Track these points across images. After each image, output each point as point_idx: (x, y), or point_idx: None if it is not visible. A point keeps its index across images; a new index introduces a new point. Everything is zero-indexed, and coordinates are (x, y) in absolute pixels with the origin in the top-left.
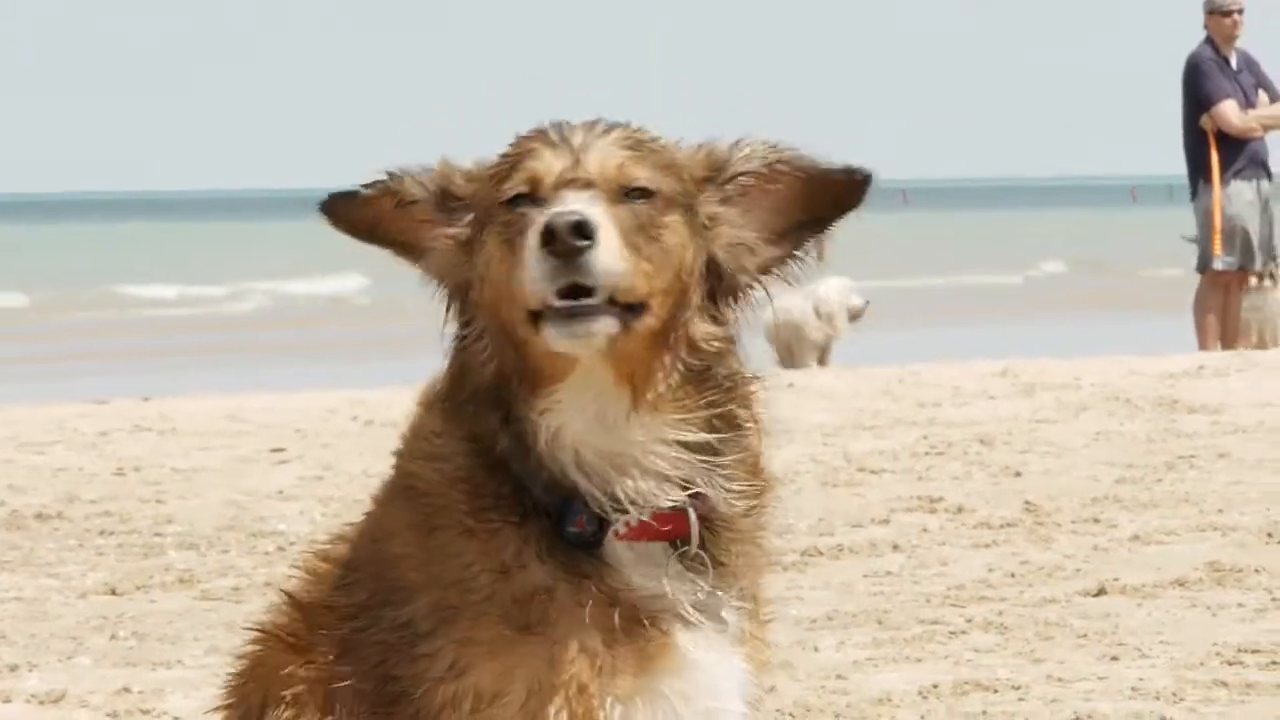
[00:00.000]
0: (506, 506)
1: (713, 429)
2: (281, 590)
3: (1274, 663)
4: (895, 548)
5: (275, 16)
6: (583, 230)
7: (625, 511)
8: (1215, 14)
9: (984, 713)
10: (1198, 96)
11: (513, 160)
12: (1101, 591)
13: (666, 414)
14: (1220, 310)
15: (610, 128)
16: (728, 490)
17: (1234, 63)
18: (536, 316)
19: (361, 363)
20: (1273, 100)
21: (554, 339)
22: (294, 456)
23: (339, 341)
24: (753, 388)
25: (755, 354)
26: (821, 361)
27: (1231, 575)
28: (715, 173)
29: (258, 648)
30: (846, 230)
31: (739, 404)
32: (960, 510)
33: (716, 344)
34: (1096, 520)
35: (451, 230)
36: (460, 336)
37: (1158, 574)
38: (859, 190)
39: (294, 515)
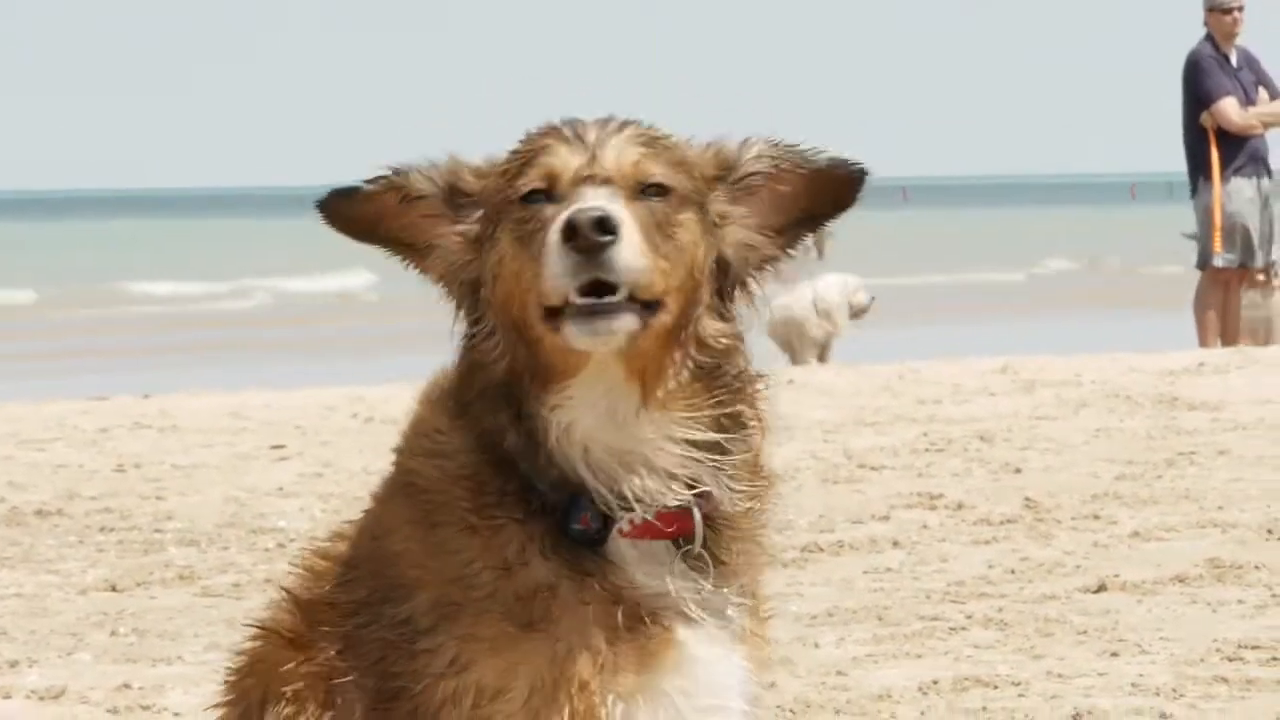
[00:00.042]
0: (510, 503)
1: (720, 427)
2: (281, 588)
3: (1274, 659)
4: (895, 544)
5: (277, 14)
6: (606, 226)
7: (631, 509)
8: (1215, 11)
9: (984, 709)
10: (1198, 94)
11: (526, 156)
12: (1101, 588)
13: (675, 412)
14: (1220, 307)
15: (624, 124)
16: (733, 489)
17: (1234, 60)
18: (554, 313)
19: (363, 360)
20: (1273, 97)
21: (575, 336)
22: (294, 453)
23: (341, 338)
24: (758, 386)
25: (759, 352)
26: (822, 358)
27: (1231, 571)
28: (724, 171)
29: (257, 644)
30: (848, 228)
31: (745, 402)
32: (960, 507)
33: (725, 341)
34: (1096, 517)
35: (460, 227)
36: (469, 334)
37: (1158, 570)
38: (856, 186)
39: (294, 512)
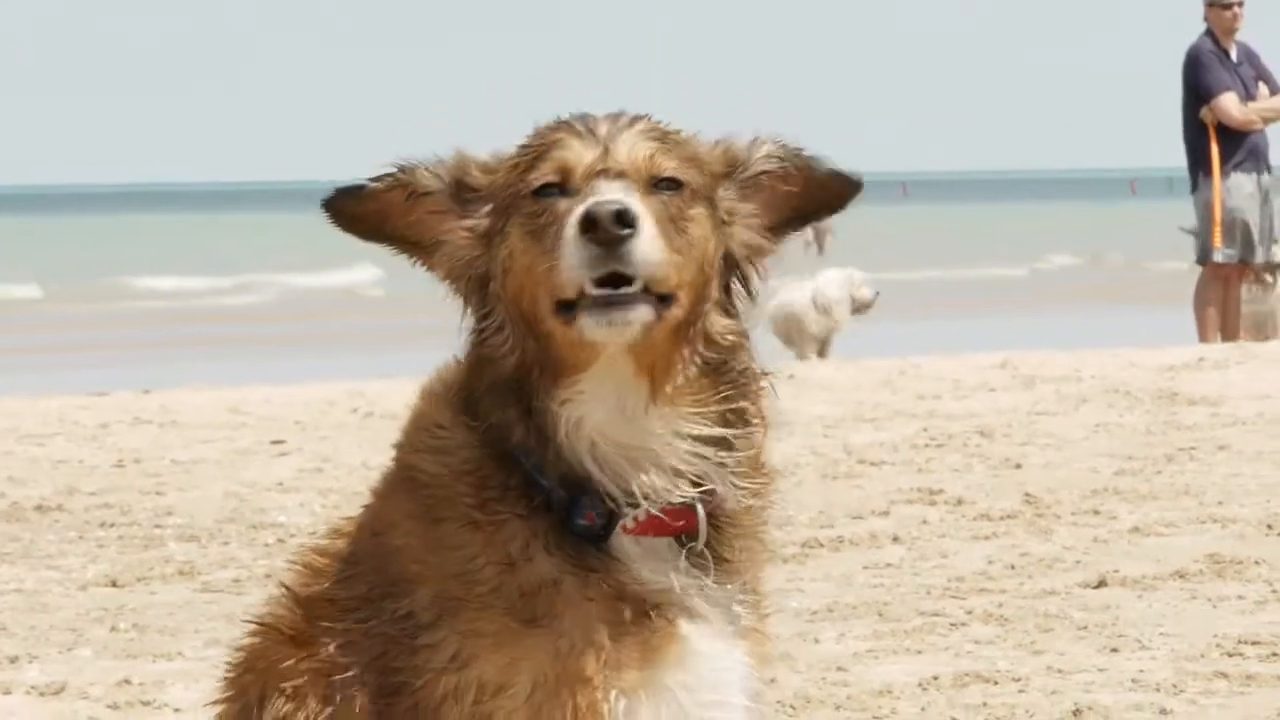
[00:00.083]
0: (514, 498)
1: (726, 424)
2: (280, 584)
3: (1274, 654)
4: (895, 540)
5: (279, 10)
6: (625, 219)
7: (636, 505)
8: (1215, 6)
9: (984, 704)
10: (1198, 89)
11: (538, 150)
12: (1101, 583)
13: (683, 408)
14: (1220, 303)
15: (635, 119)
16: (737, 486)
17: (1234, 55)
18: (566, 306)
19: (364, 355)
20: (1273, 93)
21: (590, 328)
22: (294, 448)
23: (343, 334)
24: (762, 383)
25: (762, 348)
26: (821, 353)
27: (1231, 567)
28: (733, 168)
29: (257, 641)
30: (850, 223)
31: (749, 399)
32: (960, 502)
33: (732, 337)
34: (1096, 512)
35: (468, 222)
36: (477, 329)
37: (1158, 566)
38: (851, 196)
39: (294, 507)
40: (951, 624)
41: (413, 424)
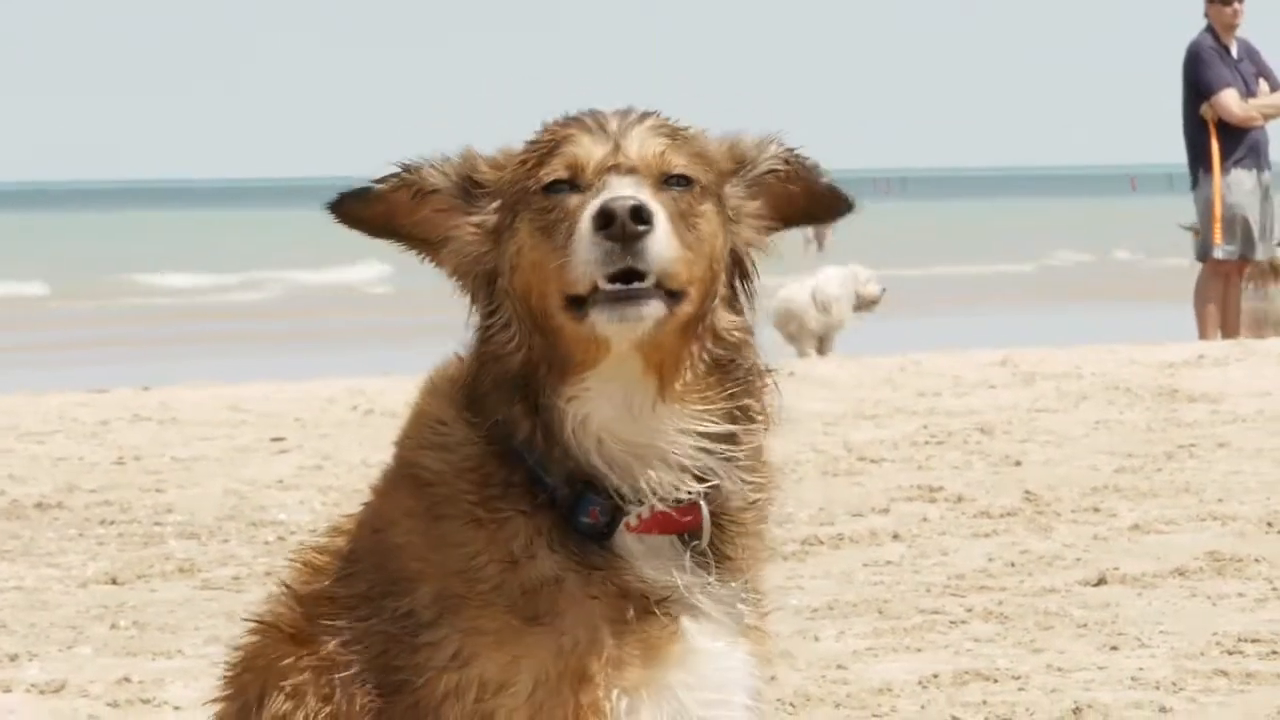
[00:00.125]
0: (516, 496)
1: (733, 420)
2: (281, 582)
3: (1274, 652)
4: (895, 537)
5: (280, 11)
6: (641, 215)
7: (640, 503)
8: (1216, 2)
9: (984, 702)
10: (1198, 85)
11: (547, 146)
12: (1101, 581)
13: (690, 405)
14: (1220, 299)
15: (645, 115)
16: (742, 483)
17: (1234, 51)
18: (577, 302)
19: (367, 352)
20: (1273, 89)
21: (602, 323)
22: (294, 446)
23: (346, 331)
24: (766, 380)
25: (766, 344)
26: (821, 350)
27: (1231, 565)
28: (740, 165)
29: (256, 639)
30: (850, 220)
31: (753, 396)
32: (960, 500)
33: (738, 334)
34: (1096, 510)
35: (475, 218)
36: (484, 326)
37: (1157, 563)
38: (843, 213)
39: (294, 505)
40: (951, 622)
41: (414, 421)
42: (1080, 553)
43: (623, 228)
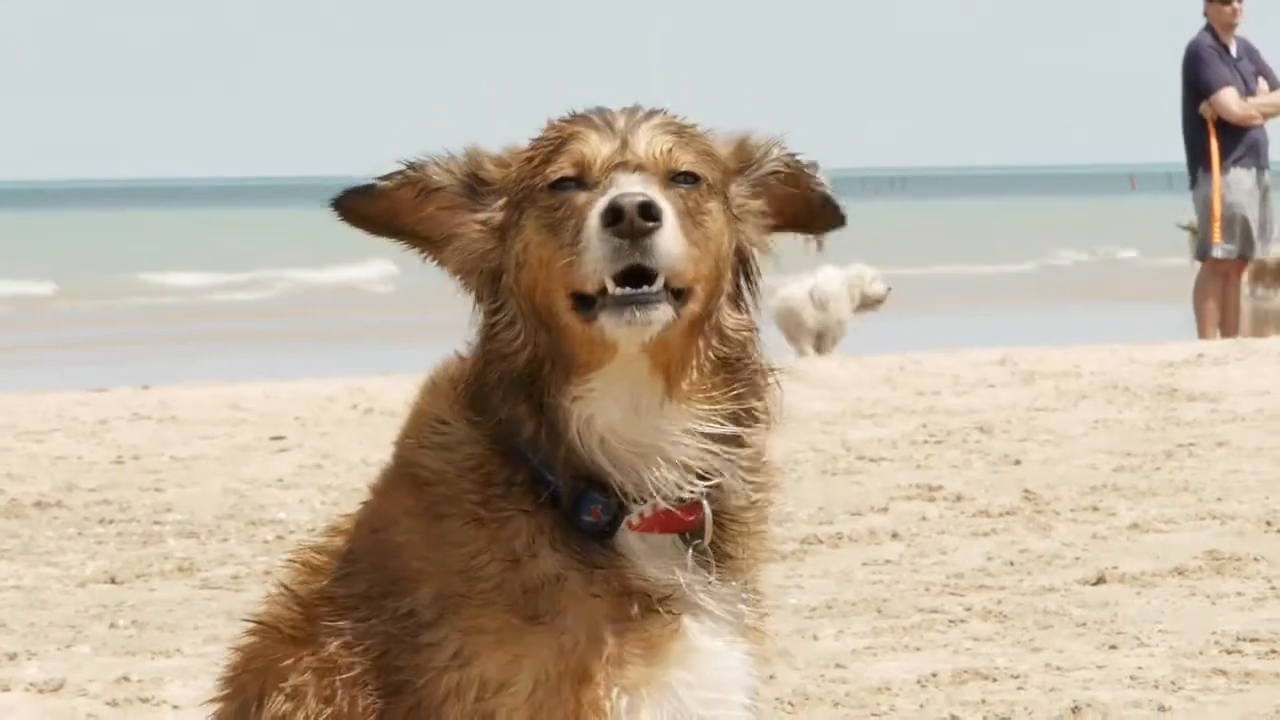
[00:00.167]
0: (519, 495)
1: (738, 421)
2: (280, 583)
3: (1273, 651)
4: (894, 536)
5: (280, 11)
6: (650, 212)
7: (643, 502)
8: (1215, 2)
9: (983, 701)
10: (1197, 84)
11: (554, 144)
12: (1100, 580)
13: (696, 404)
14: (1219, 298)
15: (651, 113)
16: (744, 483)
17: (1234, 50)
18: (585, 302)
19: (368, 351)
20: (1272, 88)
21: (611, 327)
22: (293, 445)
23: (349, 329)
24: (770, 380)
25: (769, 344)
26: (820, 349)
27: (1230, 564)
28: (745, 165)
29: (255, 640)
30: (850, 220)
31: (758, 396)
32: (959, 499)
33: (744, 333)
34: (1095, 509)
35: (481, 215)
36: (489, 324)
37: (1156, 562)
38: (834, 227)
39: (293, 503)
40: (950, 621)
41: (414, 420)
42: (1079, 552)
43: (631, 224)
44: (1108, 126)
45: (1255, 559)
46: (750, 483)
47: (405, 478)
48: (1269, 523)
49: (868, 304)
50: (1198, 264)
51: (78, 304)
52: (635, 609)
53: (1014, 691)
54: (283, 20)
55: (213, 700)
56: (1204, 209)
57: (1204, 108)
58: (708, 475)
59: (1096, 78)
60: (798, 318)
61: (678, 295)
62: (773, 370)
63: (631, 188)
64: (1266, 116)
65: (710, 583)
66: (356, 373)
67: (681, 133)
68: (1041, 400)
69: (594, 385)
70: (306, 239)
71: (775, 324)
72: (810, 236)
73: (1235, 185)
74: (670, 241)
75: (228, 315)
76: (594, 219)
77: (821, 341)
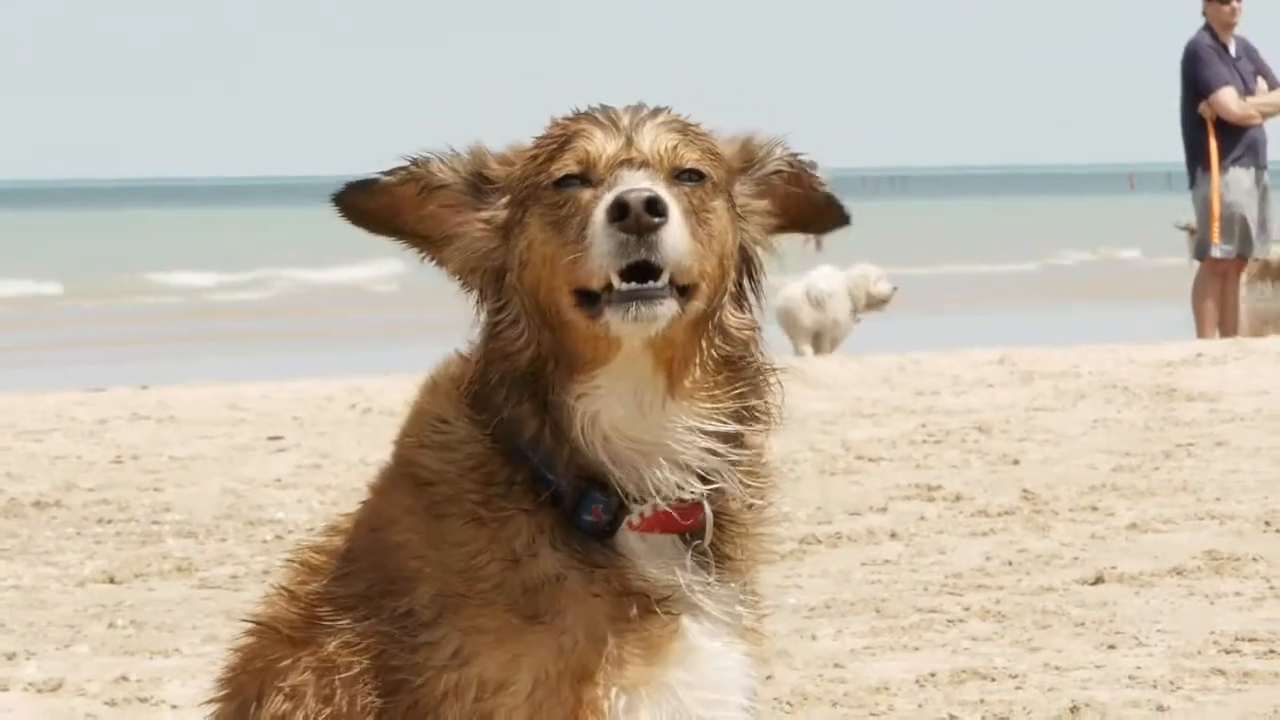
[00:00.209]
0: (519, 494)
1: (740, 420)
2: (278, 583)
3: (1271, 651)
4: (893, 536)
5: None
6: (656, 207)
7: (644, 502)
8: (1214, 1)
9: (981, 701)
10: (1196, 83)
11: (559, 141)
12: (1099, 580)
13: (699, 403)
14: (1218, 298)
15: (656, 110)
16: (745, 484)
17: (1233, 50)
18: (589, 298)
19: (369, 350)
20: (1271, 87)
21: (616, 321)
22: (292, 445)
23: (349, 329)
24: (772, 380)
25: (773, 344)
26: (818, 348)
27: (1229, 564)
28: (749, 164)
29: (254, 640)
30: (843, 234)
31: (760, 396)
32: (958, 498)
33: (746, 332)
34: (1094, 508)
35: (485, 214)
36: (492, 323)
37: (1155, 562)
38: (838, 226)
39: (292, 503)
40: (949, 620)
41: (413, 419)
42: (1078, 552)
43: (638, 219)
44: (1107, 126)
45: (1254, 559)
46: (749, 484)
47: (405, 477)
48: (1267, 523)
49: (873, 304)
50: (1196, 264)
51: (79, 304)
52: (635, 609)
53: (1012, 691)
54: (283, 20)
55: (211, 700)
56: (1203, 209)
57: (1203, 107)
58: (708, 476)
59: (1096, 78)
60: (794, 317)
61: (682, 292)
62: (774, 370)
63: (638, 183)
64: (1265, 116)
65: (709, 584)
66: (357, 373)
67: (686, 131)
68: (1040, 400)
69: (599, 382)
70: (307, 239)
71: (777, 324)
72: (814, 236)
73: (1234, 185)
74: (676, 237)
75: (229, 315)
76: (600, 214)
77: (819, 341)
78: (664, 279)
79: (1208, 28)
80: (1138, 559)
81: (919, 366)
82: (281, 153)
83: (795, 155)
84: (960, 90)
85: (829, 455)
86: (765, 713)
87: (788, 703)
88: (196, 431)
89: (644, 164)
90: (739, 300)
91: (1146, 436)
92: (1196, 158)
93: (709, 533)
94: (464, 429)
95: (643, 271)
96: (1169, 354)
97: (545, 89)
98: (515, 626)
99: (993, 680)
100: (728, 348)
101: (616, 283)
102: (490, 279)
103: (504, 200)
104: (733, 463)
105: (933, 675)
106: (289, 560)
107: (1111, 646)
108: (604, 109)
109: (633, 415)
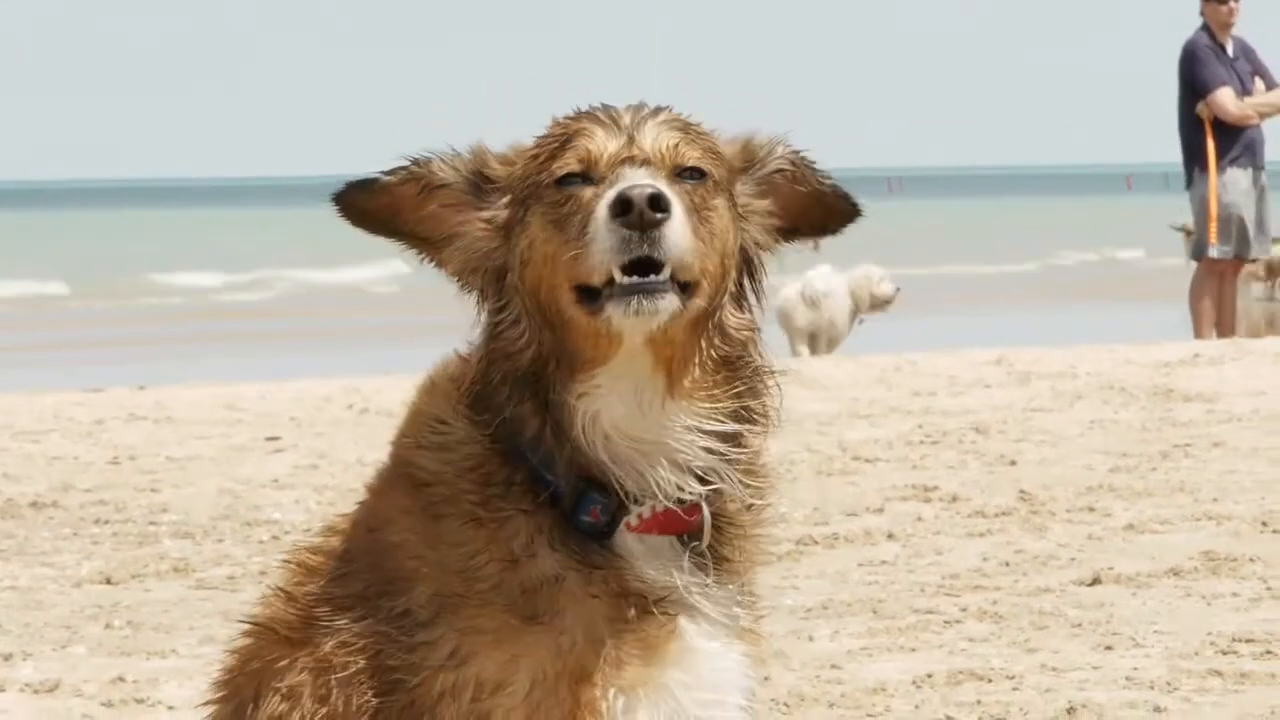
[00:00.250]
0: (518, 494)
1: (739, 420)
2: (275, 584)
3: (1268, 652)
4: (890, 537)
5: (280, 11)
6: (659, 203)
7: (642, 503)
8: (1212, 1)
9: (978, 702)
10: (1194, 83)
11: (560, 140)
12: (1096, 581)
13: (698, 403)
14: (1216, 298)
15: (658, 109)
16: (743, 485)
17: (1230, 50)
18: (591, 295)
19: (368, 351)
20: (1269, 87)
21: (618, 315)
22: (289, 445)
23: (348, 330)
24: (771, 381)
25: (772, 345)
26: (814, 349)
27: (1226, 564)
28: (750, 164)
29: (251, 640)
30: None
31: (759, 397)
32: (955, 499)
33: (746, 332)
34: (1091, 509)
35: (486, 213)
36: (493, 323)
37: (1152, 563)
38: (851, 219)
39: (289, 504)
40: (946, 621)
41: (411, 420)
42: (1075, 552)
43: (640, 215)
44: (1105, 127)
45: (1251, 559)
46: (747, 486)
47: (402, 477)
48: (1265, 523)
49: (876, 305)
50: (1193, 264)
51: (80, 304)
52: (633, 610)
53: (1009, 692)
54: (283, 20)
55: (208, 701)
56: (1200, 209)
57: (1201, 107)
58: (707, 478)
59: (1094, 78)
60: (789, 317)
61: (684, 289)
62: (773, 371)
63: (640, 180)
64: (1263, 116)
65: (707, 585)
66: (357, 373)
67: (687, 130)
68: (1037, 400)
69: (599, 381)
70: (308, 239)
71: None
72: (828, 237)
73: (1232, 185)
74: (678, 234)
75: (230, 315)
76: (602, 210)
77: (816, 342)
78: (666, 274)
79: (1205, 28)
80: (1135, 560)
81: (916, 367)
82: (281, 153)
83: (797, 153)
84: (960, 90)
85: (826, 456)
86: (762, 713)
87: (785, 703)
88: (194, 432)
89: (645, 162)
90: (739, 300)
91: (1144, 437)
92: (1194, 158)
93: (707, 534)
94: (462, 429)
95: (645, 267)
96: (1166, 354)
97: (545, 89)
98: (513, 627)
99: (989, 681)
100: (727, 348)
101: (618, 277)
102: (491, 279)
103: (505, 200)
104: (730, 463)
105: (929, 676)
106: (286, 561)
107: (1108, 647)
108: (605, 108)
109: (633, 414)
